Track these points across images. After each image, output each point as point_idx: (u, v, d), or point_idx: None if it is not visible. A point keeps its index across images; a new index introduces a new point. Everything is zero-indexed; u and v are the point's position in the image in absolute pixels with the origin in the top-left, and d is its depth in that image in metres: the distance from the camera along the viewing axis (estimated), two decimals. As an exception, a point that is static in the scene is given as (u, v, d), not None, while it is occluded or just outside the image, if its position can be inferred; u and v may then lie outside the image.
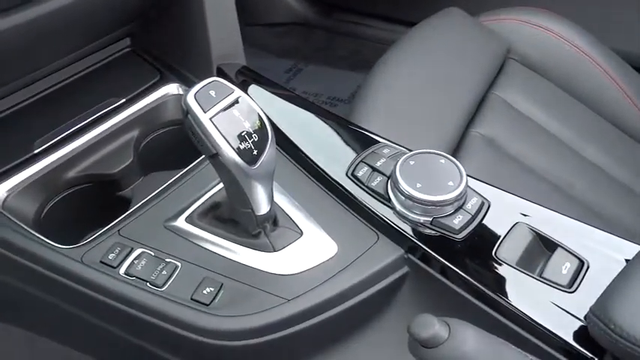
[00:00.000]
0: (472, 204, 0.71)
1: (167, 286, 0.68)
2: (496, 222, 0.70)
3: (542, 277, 0.65)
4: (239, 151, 0.61)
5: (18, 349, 0.91)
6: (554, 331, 0.61)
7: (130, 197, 0.86)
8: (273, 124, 0.69)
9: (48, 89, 0.90)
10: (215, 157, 0.62)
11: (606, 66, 1.22)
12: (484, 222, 0.70)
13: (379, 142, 0.80)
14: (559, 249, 0.67)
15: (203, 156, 0.76)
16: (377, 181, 0.74)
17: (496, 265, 0.67)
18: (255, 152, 0.62)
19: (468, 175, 0.71)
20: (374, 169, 0.75)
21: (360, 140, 0.81)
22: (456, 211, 0.70)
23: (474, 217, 0.70)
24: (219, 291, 0.67)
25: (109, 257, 0.70)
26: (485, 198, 0.72)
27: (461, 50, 1.19)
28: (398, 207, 0.71)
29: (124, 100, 0.90)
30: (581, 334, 0.61)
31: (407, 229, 0.70)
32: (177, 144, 0.86)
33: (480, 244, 0.69)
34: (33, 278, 0.73)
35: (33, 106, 0.88)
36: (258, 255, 0.70)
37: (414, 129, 1.02)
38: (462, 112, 1.09)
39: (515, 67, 1.23)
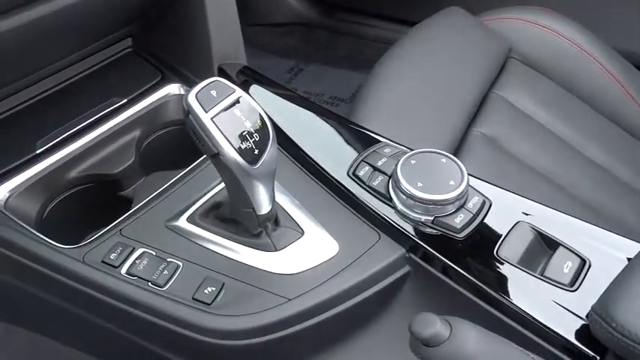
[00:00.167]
0: (473, 203, 0.71)
1: (169, 285, 0.68)
2: (497, 221, 0.70)
3: (544, 276, 0.65)
4: (240, 151, 0.61)
5: (20, 348, 0.91)
6: (556, 330, 0.61)
7: (132, 197, 0.86)
8: (275, 124, 0.69)
9: (49, 90, 0.90)
10: (216, 156, 0.62)
11: (608, 65, 1.22)
12: (485, 221, 0.70)
13: (380, 141, 0.80)
14: (560, 248, 0.67)
15: (204, 156, 0.76)
16: (378, 181, 0.74)
17: (498, 264, 0.67)
18: (256, 152, 0.62)
19: (469, 174, 0.71)
20: (375, 169, 0.75)
21: (362, 140, 0.81)
22: (457, 210, 0.70)
23: (475, 216, 0.70)
24: (220, 290, 0.67)
25: (111, 257, 0.70)
26: (486, 197, 0.72)
27: (462, 50, 1.19)
28: (399, 206, 0.71)
29: (125, 100, 0.90)
30: (583, 333, 0.61)
31: (408, 228, 0.70)
32: (179, 144, 0.87)
33: (481, 243, 0.69)
34: (35, 278, 0.73)
35: (34, 107, 0.88)
36: (259, 254, 0.70)
37: (415, 128, 1.02)
38: (464, 111, 1.08)
39: (516, 66, 1.23)
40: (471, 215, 0.70)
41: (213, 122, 0.60)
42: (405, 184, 0.69)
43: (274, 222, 0.72)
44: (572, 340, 0.61)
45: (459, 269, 0.67)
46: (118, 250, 0.71)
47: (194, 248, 0.71)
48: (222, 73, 0.93)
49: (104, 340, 0.78)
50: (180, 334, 0.66)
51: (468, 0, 1.36)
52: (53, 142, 0.84)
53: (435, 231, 0.70)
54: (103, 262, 0.70)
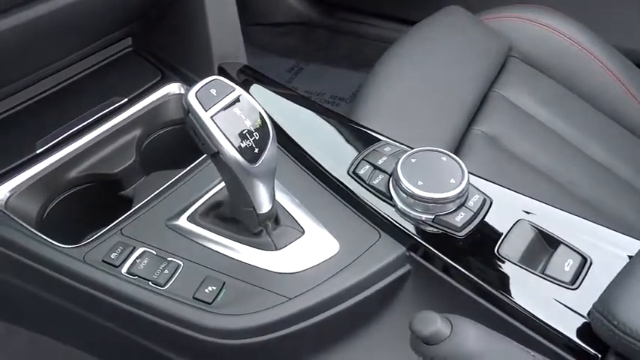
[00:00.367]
0: (474, 201, 0.71)
1: (169, 284, 0.68)
2: (498, 219, 0.70)
3: (545, 274, 0.65)
4: (240, 150, 0.61)
5: (20, 348, 0.91)
6: (557, 328, 0.61)
7: (132, 197, 0.86)
8: (275, 123, 0.69)
9: (49, 90, 0.90)
10: (216, 155, 0.62)
11: (608, 63, 1.22)
12: (486, 219, 0.70)
13: (381, 140, 0.80)
14: (561, 246, 0.67)
15: (204, 155, 0.76)
16: (378, 179, 0.74)
17: (498, 262, 0.67)
18: (256, 150, 0.62)
19: (469, 173, 0.71)
20: (375, 167, 0.75)
21: (362, 138, 0.81)
22: (457, 208, 0.70)
23: (476, 215, 0.70)
24: (221, 290, 0.67)
25: (111, 256, 0.70)
26: (487, 195, 0.72)
27: (462, 48, 1.19)
28: (400, 205, 0.71)
29: (125, 99, 0.90)
30: (584, 331, 0.61)
31: (409, 226, 0.70)
32: (179, 143, 0.87)
33: (482, 242, 0.68)
34: (35, 278, 0.73)
35: (34, 107, 0.88)
36: (259, 253, 0.70)
37: (415, 127, 1.02)
38: (464, 110, 1.08)
39: (517, 64, 1.23)
40: (472, 213, 0.70)
41: (213, 121, 0.60)
42: (405, 183, 0.69)
43: (274, 221, 0.72)
44: (574, 338, 0.61)
45: (460, 268, 0.66)
46: (119, 250, 0.71)
47: (194, 247, 0.71)
48: (223, 72, 0.93)
49: (105, 339, 0.78)
50: (180, 333, 0.66)
51: (468, -1, 1.36)
52: (53, 142, 0.84)
53: (435, 229, 0.69)
54: (103, 261, 0.70)
